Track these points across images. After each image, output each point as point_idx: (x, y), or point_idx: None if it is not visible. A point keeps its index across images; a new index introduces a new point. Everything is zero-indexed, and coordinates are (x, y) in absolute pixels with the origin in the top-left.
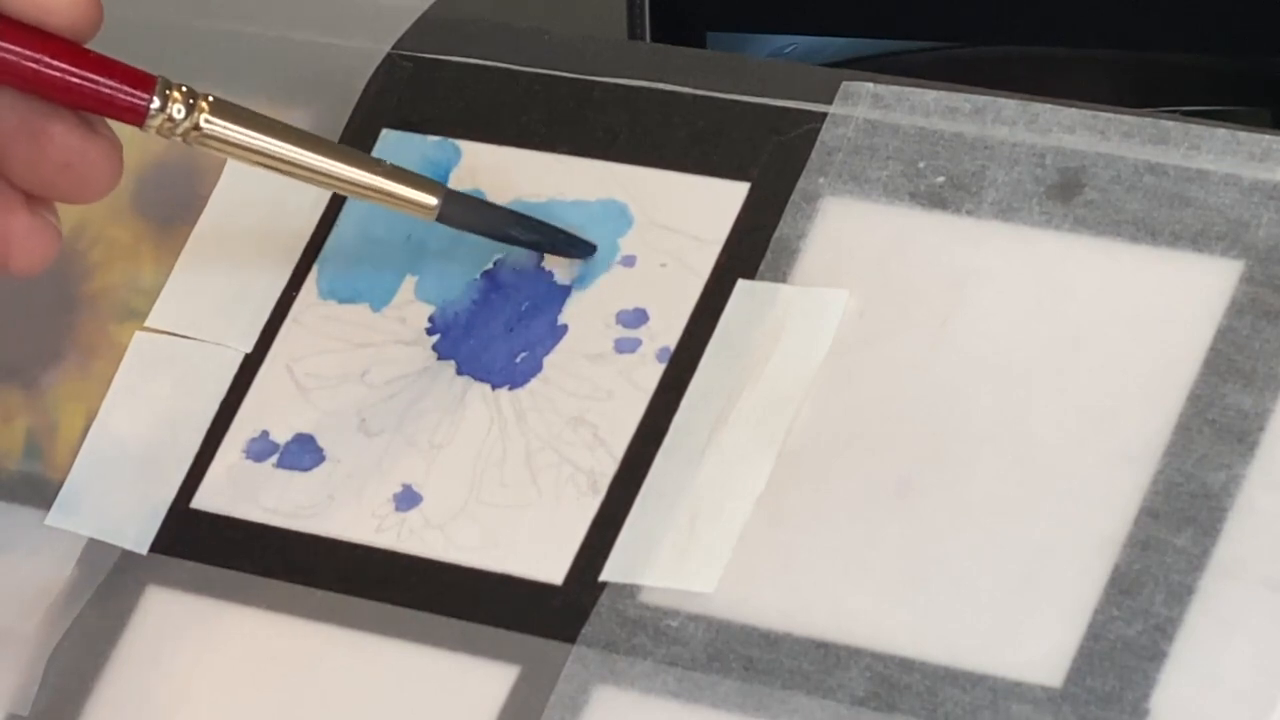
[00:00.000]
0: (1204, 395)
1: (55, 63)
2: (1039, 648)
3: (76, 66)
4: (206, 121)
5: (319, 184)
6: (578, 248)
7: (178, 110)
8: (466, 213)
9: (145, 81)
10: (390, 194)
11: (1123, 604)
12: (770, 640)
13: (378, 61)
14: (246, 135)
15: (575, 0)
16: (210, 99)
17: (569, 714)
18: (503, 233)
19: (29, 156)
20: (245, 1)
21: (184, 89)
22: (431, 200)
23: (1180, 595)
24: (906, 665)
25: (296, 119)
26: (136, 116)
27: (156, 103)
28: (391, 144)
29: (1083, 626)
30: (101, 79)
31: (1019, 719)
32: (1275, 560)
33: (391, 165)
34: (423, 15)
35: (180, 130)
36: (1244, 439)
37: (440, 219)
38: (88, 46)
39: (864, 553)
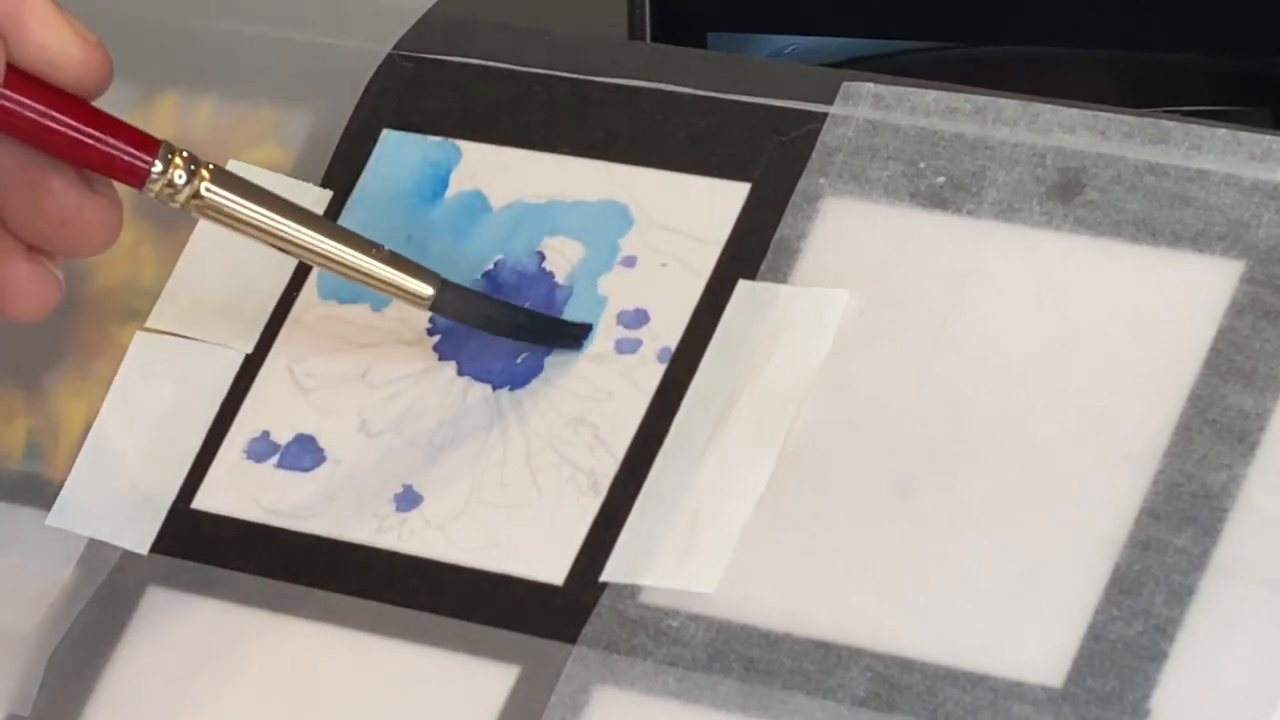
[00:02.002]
0: (1204, 395)
1: (60, 117)
2: (1039, 648)
3: (81, 123)
4: (207, 190)
5: (314, 263)
6: (572, 336)
7: (179, 176)
8: (461, 304)
9: (149, 144)
10: (385, 281)
11: (1123, 604)
12: (771, 640)
13: (378, 62)
14: (246, 208)
15: (575, 0)
16: (211, 167)
17: (569, 714)
18: (496, 325)
19: (26, 208)
20: (246, 2)
21: (185, 154)
22: (427, 290)
23: (1180, 595)
24: (906, 665)
25: (297, 119)
26: (137, 178)
27: (158, 166)
28: (392, 144)
29: (1083, 626)
30: (105, 137)
31: (1019, 719)
32: (1275, 560)
33: (390, 251)
34: (423, 16)
35: (180, 197)
36: (1244, 439)
37: (434, 309)
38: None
39: (864, 553)
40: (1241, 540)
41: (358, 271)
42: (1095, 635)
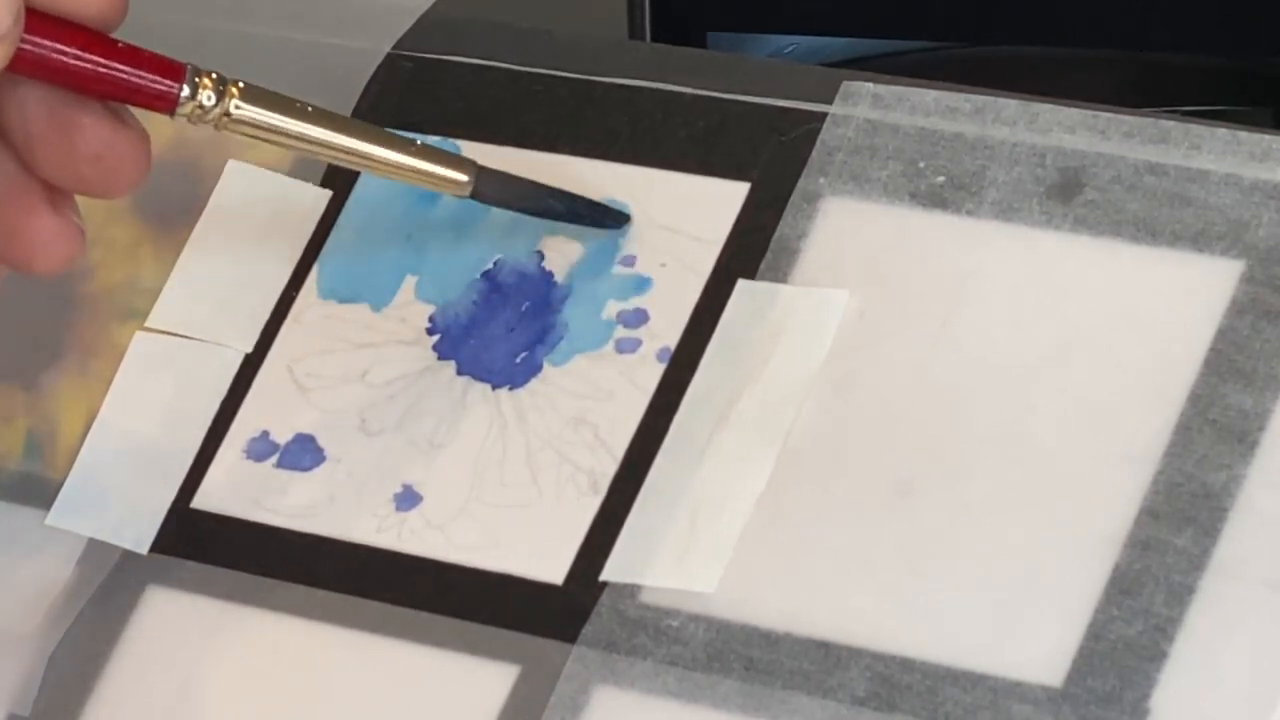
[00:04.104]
0: (1204, 395)
1: (84, 54)
2: (1039, 648)
3: (105, 57)
4: (237, 108)
5: (351, 165)
6: (610, 217)
7: (207, 97)
8: (499, 188)
9: (174, 70)
10: (422, 172)
11: (1123, 604)
12: (771, 640)
13: (378, 61)
14: (277, 119)
15: (575, 0)
16: (241, 85)
17: (569, 714)
18: (535, 206)
19: (59, 150)
20: (246, 2)
21: (214, 75)
22: (463, 177)
23: (1180, 595)
24: (906, 665)
25: None
26: (166, 104)
27: (186, 90)
28: None
29: (1083, 626)
30: (131, 68)
31: (1019, 719)
32: (1275, 560)
33: (423, 144)
34: (423, 15)
35: (210, 117)
36: (1244, 439)
37: (473, 195)
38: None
39: (864, 553)
40: (1241, 540)
41: (395, 167)
42: (1095, 635)
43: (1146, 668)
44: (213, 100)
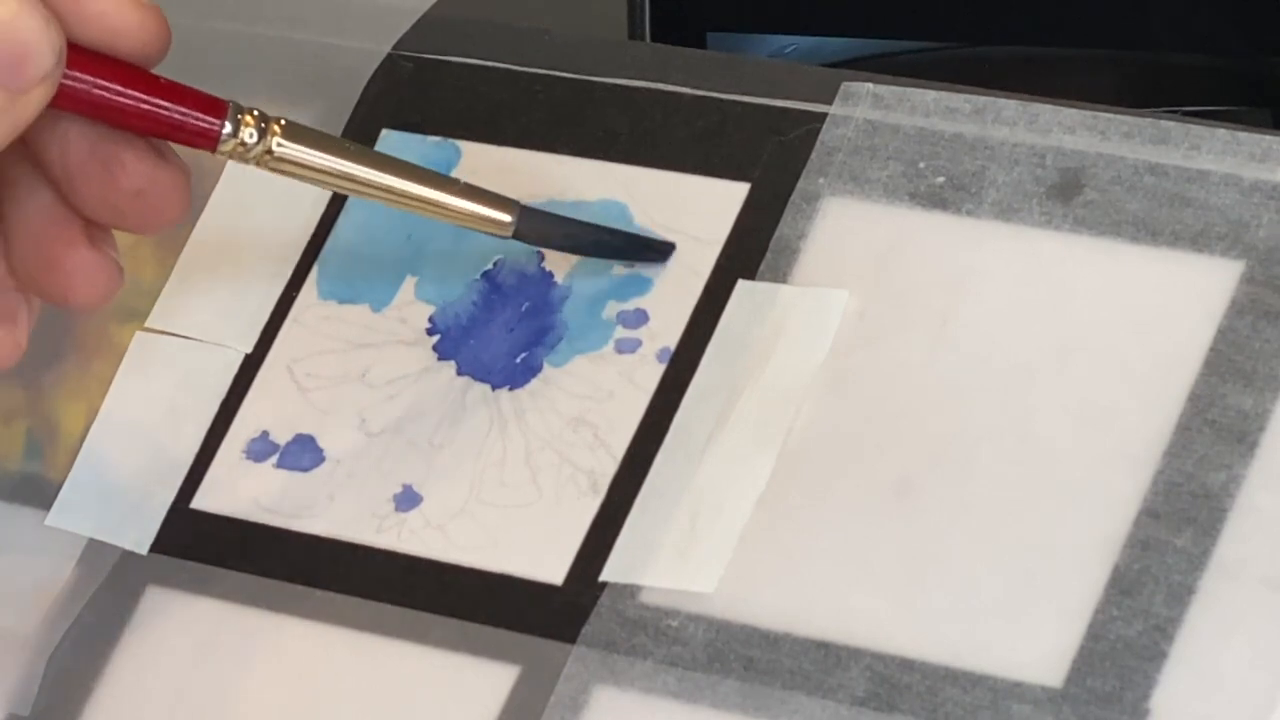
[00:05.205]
0: (1204, 395)
1: (127, 90)
2: (1039, 648)
3: (148, 93)
4: (279, 145)
5: (392, 204)
6: (656, 251)
7: (250, 135)
8: (542, 228)
9: (217, 107)
10: (465, 213)
11: (1123, 604)
12: (770, 640)
13: (378, 61)
14: (320, 158)
15: (575, 0)
16: (283, 122)
17: (569, 714)
18: (579, 244)
19: (100, 185)
20: (246, 2)
21: (255, 113)
22: (507, 218)
23: (1180, 595)
24: (906, 665)
25: (297, 118)
26: (208, 141)
27: (228, 127)
28: (392, 144)
29: (1083, 626)
30: (173, 105)
31: (1019, 719)
32: (1275, 560)
33: (466, 184)
34: (423, 15)
35: (252, 155)
36: (1244, 439)
37: (516, 236)
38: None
39: (864, 553)
40: (1241, 540)
41: (436, 206)
42: (1095, 635)
43: (1146, 668)
44: (254, 138)
